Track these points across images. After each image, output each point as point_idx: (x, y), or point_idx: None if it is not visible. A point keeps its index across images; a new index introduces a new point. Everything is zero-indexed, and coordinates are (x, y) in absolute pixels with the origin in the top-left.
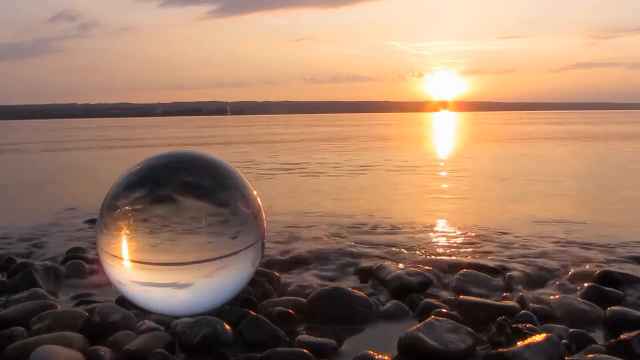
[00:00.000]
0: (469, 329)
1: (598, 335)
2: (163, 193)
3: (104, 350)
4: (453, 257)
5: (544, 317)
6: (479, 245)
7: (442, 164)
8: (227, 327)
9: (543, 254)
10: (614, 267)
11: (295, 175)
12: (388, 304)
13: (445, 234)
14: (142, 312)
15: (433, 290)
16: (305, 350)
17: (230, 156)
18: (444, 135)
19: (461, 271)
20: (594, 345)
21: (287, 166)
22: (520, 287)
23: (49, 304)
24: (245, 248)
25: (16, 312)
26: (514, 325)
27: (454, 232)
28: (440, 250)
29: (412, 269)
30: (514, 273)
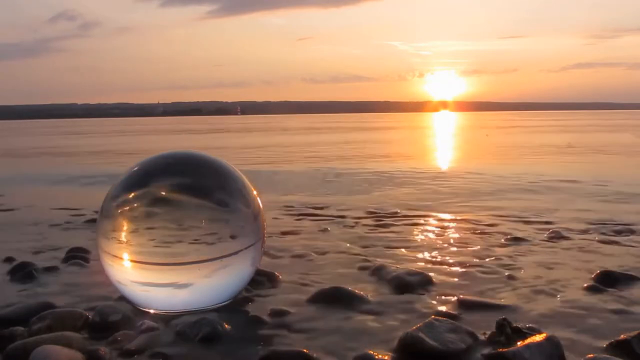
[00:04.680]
0: (469, 329)
1: (598, 335)
2: (163, 193)
3: (104, 350)
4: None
5: (543, 316)
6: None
7: None
8: (227, 327)
9: (544, 252)
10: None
11: None
12: (388, 304)
13: None
14: (142, 312)
15: (433, 290)
16: (305, 350)
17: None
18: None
19: (461, 271)
20: (594, 345)
21: None
22: (520, 286)
23: (49, 304)
24: (245, 248)
25: (16, 312)
26: (514, 325)
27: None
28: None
29: (413, 268)
30: (515, 272)
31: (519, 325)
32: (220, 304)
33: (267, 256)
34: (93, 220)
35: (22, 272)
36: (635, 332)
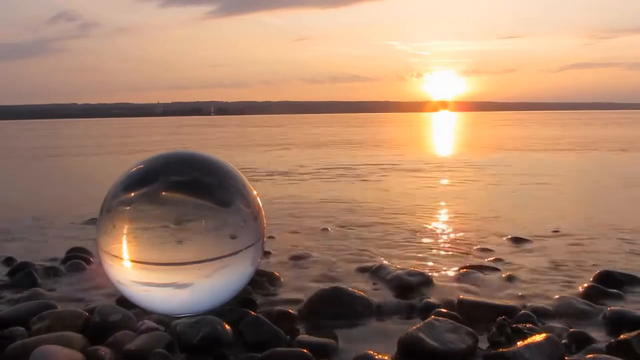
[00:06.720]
0: (469, 329)
1: (598, 335)
2: (163, 193)
3: (104, 350)
4: (453, 256)
5: (543, 316)
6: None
7: None
8: (227, 327)
9: (544, 253)
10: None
11: None
12: (388, 304)
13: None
14: (142, 312)
15: (433, 290)
16: (305, 350)
17: None
18: None
19: (461, 271)
20: (593, 345)
21: None
22: (520, 286)
23: (49, 304)
24: (245, 248)
25: (16, 312)
26: (514, 325)
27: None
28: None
29: (413, 268)
30: (515, 272)
31: (519, 325)
32: (221, 304)
33: (267, 256)
34: (93, 221)
35: (22, 273)
36: (635, 332)
